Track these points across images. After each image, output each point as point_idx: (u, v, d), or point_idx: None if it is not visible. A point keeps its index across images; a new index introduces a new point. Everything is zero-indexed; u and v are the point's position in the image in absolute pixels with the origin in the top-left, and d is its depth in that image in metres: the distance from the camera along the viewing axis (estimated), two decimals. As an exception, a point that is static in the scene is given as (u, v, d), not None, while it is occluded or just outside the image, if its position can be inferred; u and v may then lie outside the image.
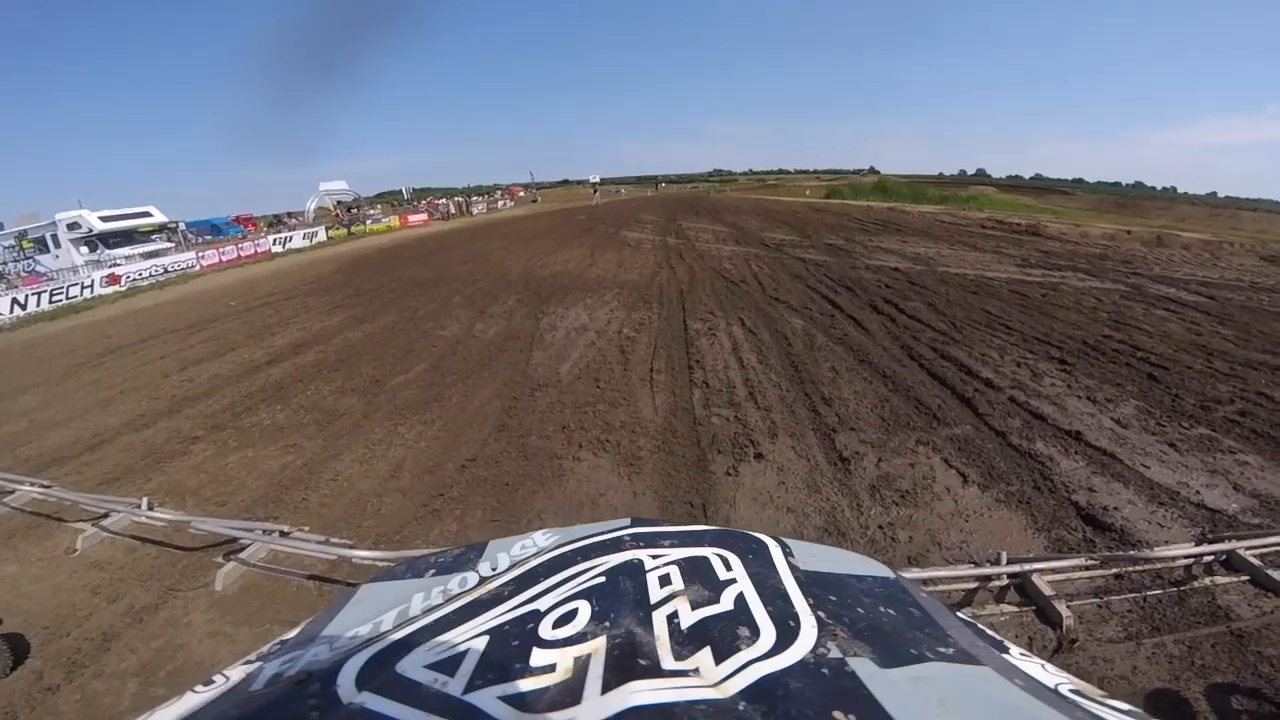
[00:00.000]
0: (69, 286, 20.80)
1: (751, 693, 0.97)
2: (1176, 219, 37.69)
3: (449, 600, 1.44)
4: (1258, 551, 4.05)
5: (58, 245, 24.22)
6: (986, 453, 5.94)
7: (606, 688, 0.99)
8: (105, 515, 5.48)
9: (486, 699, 1.00)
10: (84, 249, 24.26)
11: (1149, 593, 3.97)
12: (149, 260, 24.72)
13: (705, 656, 1.07)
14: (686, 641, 1.12)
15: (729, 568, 1.40)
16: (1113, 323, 10.33)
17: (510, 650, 1.13)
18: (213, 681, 1.29)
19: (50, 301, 19.95)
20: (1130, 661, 3.48)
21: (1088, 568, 4.01)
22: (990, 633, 1.34)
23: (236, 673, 1.31)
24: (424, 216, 45.21)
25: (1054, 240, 21.37)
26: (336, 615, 1.54)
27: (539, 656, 1.10)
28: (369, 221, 40.85)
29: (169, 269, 24.86)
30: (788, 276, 15.25)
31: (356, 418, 7.81)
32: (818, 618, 1.19)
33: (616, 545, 1.56)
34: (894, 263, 16.60)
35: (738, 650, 1.07)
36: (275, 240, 32.17)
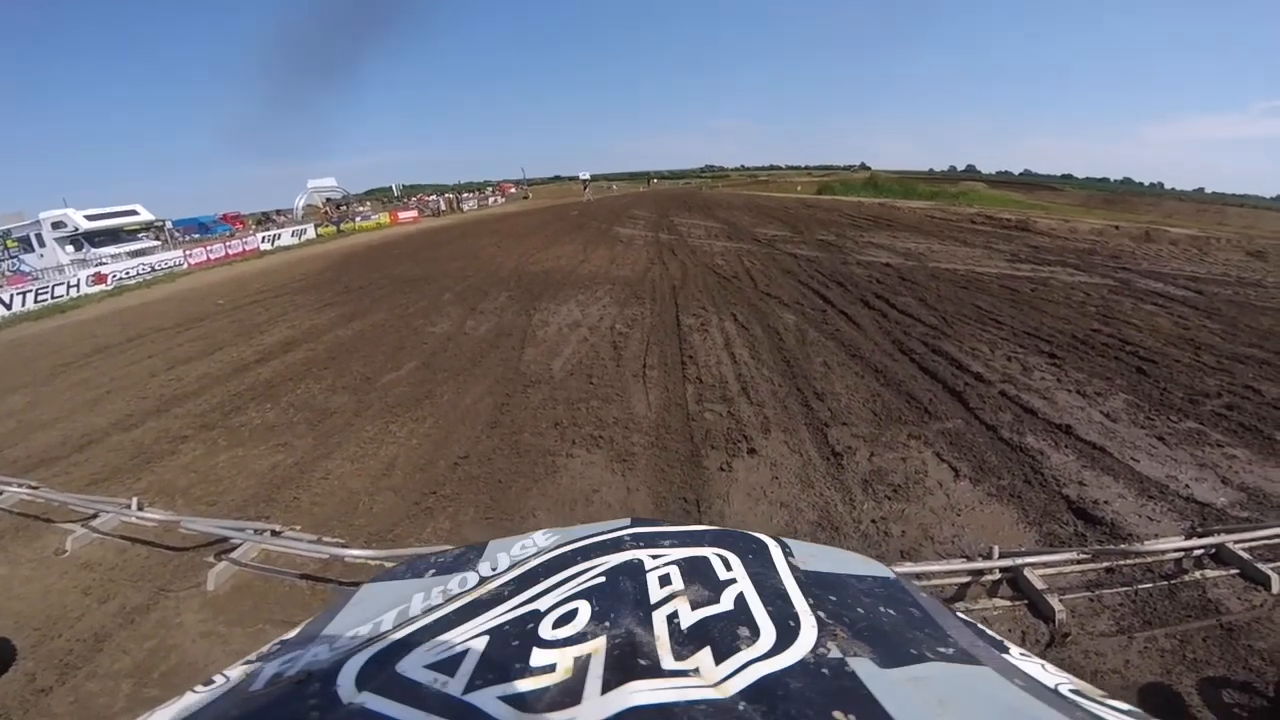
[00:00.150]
0: (54, 286, 20.54)
1: (751, 693, 0.97)
2: (1164, 214, 38.07)
3: (449, 600, 1.43)
4: (1246, 545, 4.10)
5: (42, 244, 23.91)
6: (978, 447, 5.98)
7: (606, 688, 0.99)
8: (95, 516, 5.42)
9: (486, 699, 0.99)
10: (69, 248, 23.97)
11: (1140, 586, 4.00)
12: (136, 259, 24.43)
13: (705, 656, 1.06)
14: (686, 641, 1.11)
15: (729, 568, 1.40)
16: (1101, 317, 10.41)
17: (510, 650, 1.13)
18: (212, 681, 1.28)
19: (35, 301, 19.70)
20: (1122, 656, 3.51)
21: (1079, 562, 4.04)
22: (990, 633, 1.34)
23: (236, 673, 1.30)
24: (414, 213, 45.00)
25: (1043, 235, 21.52)
26: (336, 615, 1.53)
27: (539, 656, 1.09)
28: (358, 219, 40.60)
29: (156, 268, 24.60)
30: (779, 272, 15.28)
31: (347, 416, 7.76)
32: (818, 618, 1.19)
33: (616, 545, 1.55)
34: (885, 258, 16.66)
35: (738, 650, 1.07)
36: (263, 238, 31.89)
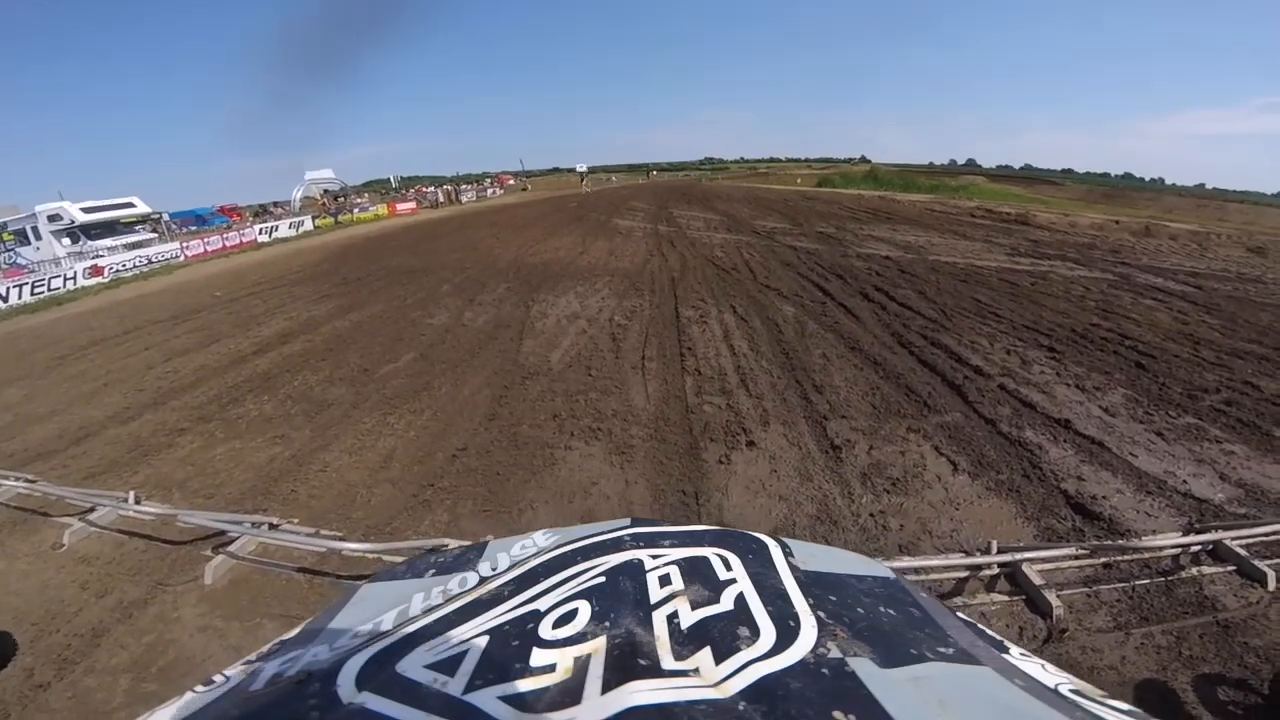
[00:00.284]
0: (51, 278, 20.45)
1: (751, 693, 0.97)
2: (1164, 210, 38.03)
3: (449, 600, 1.43)
4: (1243, 542, 4.10)
5: (38, 237, 23.86)
6: (976, 440, 5.98)
7: (606, 688, 0.99)
8: (92, 509, 5.41)
9: (486, 699, 0.99)
10: (66, 240, 23.90)
11: (1137, 582, 4.01)
12: (132, 251, 24.34)
13: (705, 656, 1.07)
14: (686, 641, 1.12)
15: (729, 568, 1.40)
16: (1101, 311, 10.41)
17: (510, 650, 1.13)
18: (213, 681, 1.28)
19: (32, 293, 19.62)
20: (1119, 652, 3.52)
21: (1077, 557, 4.04)
22: (990, 633, 1.34)
23: (236, 672, 1.31)
24: (412, 205, 44.85)
25: (1043, 229, 21.50)
26: (336, 615, 1.53)
27: (539, 656, 1.10)
28: (356, 210, 40.45)
29: (153, 260, 24.48)
30: (779, 264, 15.26)
31: (345, 408, 7.75)
32: (818, 618, 1.19)
33: (616, 545, 1.56)
34: (885, 251, 16.63)
35: (738, 650, 1.07)
36: (261, 230, 31.75)
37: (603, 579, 1.37)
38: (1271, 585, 3.86)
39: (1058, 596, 3.73)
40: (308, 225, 34.65)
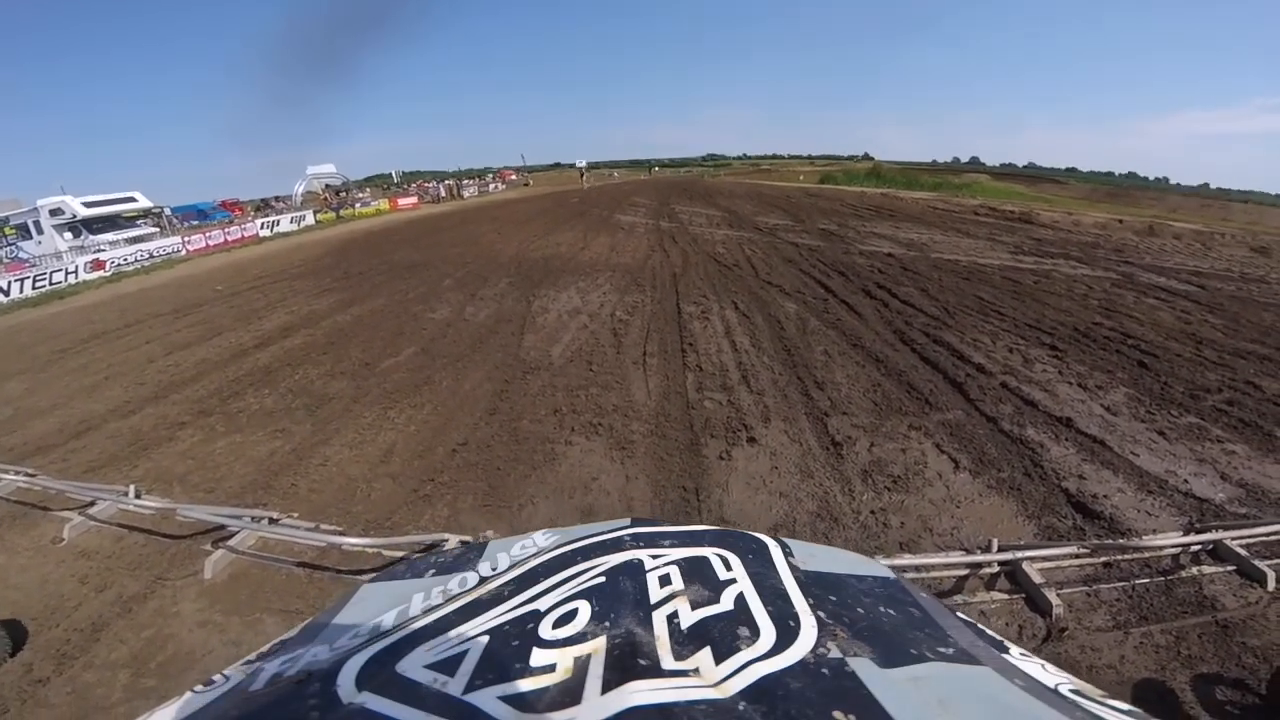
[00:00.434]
0: (52, 273, 20.48)
1: (751, 693, 0.97)
2: (1168, 209, 37.94)
3: (449, 600, 1.43)
4: (1244, 542, 4.09)
5: (40, 231, 23.84)
6: (978, 438, 5.97)
7: (606, 688, 0.99)
8: (92, 503, 5.42)
9: (486, 699, 0.99)
10: (67, 235, 23.88)
11: (1137, 581, 4.01)
12: (134, 245, 24.32)
13: (705, 656, 1.07)
14: (686, 641, 1.11)
15: (729, 568, 1.40)
16: (1104, 310, 10.39)
17: (510, 650, 1.13)
18: (213, 681, 1.28)
19: (34, 287, 19.65)
20: (1118, 651, 3.52)
21: (1077, 556, 4.04)
22: (990, 633, 1.34)
23: (236, 672, 1.31)
24: (414, 200, 44.81)
25: (1046, 228, 21.46)
26: (336, 615, 1.53)
27: (539, 656, 1.10)
28: (358, 205, 40.44)
29: (154, 254, 24.49)
30: (781, 261, 15.24)
31: (346, 402, 7.76)
32: (818, 618, 1.19)
33: (616, 545, 1.56)
34: (887, 248, 16.61)
35: (738, 650, 1.07)
36: (262, 224, 31.75)
37: (603, 579, 1.37)
38: (1271, 585, 3.85)
39: (1058, 595, 3.73)
40: (309, 220, 34.65)
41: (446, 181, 56.40)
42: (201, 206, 45.02)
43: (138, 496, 5.23)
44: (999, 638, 1.32)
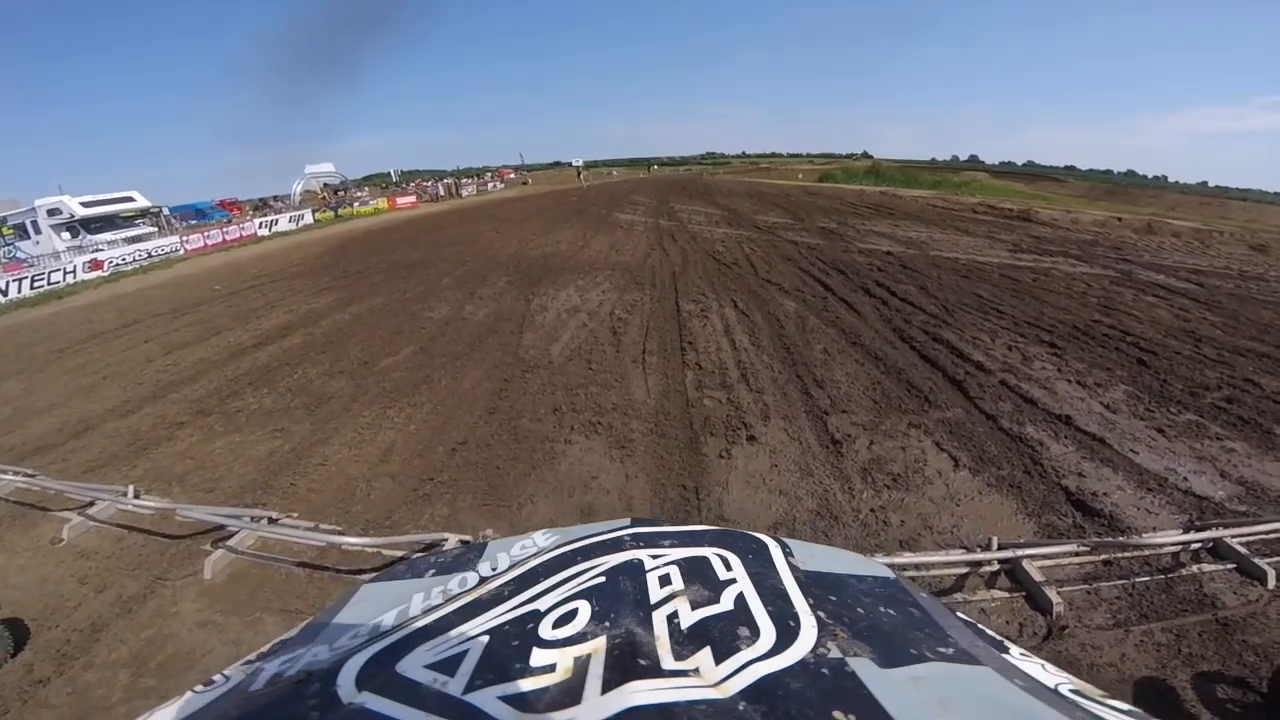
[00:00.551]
0: (50, 272, 20.48)
1: (751, 693, 0.97)
2: (1167, 207, 37.92)
3: (449, 600, 1.43)
4: (1244, 539, 4.08)
5: (38, 231, 23.83)
6: (977, 436, 5.98)
7: (606, 688, 0.99)
8: (91, 504, 5.41)
9: (486, 699, 0.99)
10: (65, 235, 23.88)
11: (1137, 579, 4.01)
12: (132, 245, 24.33)
13: (705, 656, 1.06)
14: (686, 641, 1.11)
15: (729, 568, 1.40)
16: (1103, 308, 10.39)
17: (510, 650, 1.13)
18: (213, 681, 1.28)
19: (32, 287, 19.65)
20: (1118, 649, 3.52)
21: (1077, 554, 4.04)
22: (990, 632, 1.34)
23: (236, 672, 1.30)
24: (412, 199, 44.79)
25: (1045, 226, 21.44)
26: (336, 615, 1.53)
27: (539, 656, 1.10)
28: (356, 204, 40.40)
29: (153, 254, 24.50)
30: (780, 259, 15.23)
31: (345, 401, 7.75)
32: (818, 618, 1.19)
33: (616, 545, 1.55)
34: (886, 246, 16.60)
35: (738, 650, 1.07)
36: (261, 224, 31.77)
37: (603, 579, 1.37)
38: (1271, 583, 3.85)
39: (1058, 593, 3.72)
40: (308, 219, 34.65)
41: (445, 180, 56.33)
42: (200, 206, 45.06)
43: (137, 496, 5.22)
44: (999, 637, 1.32)
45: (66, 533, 5.15)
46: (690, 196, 35.39)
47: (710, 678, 1.01)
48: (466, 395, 7.66)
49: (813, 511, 4.95)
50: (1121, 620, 3.73)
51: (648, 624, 1.17)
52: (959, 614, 1.41)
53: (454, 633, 1.22)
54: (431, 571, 1.72)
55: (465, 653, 1.13)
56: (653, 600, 1.26)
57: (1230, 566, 4.02)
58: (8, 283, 19.26)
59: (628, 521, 1.76)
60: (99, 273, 21.77)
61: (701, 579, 1.34)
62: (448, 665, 1.09)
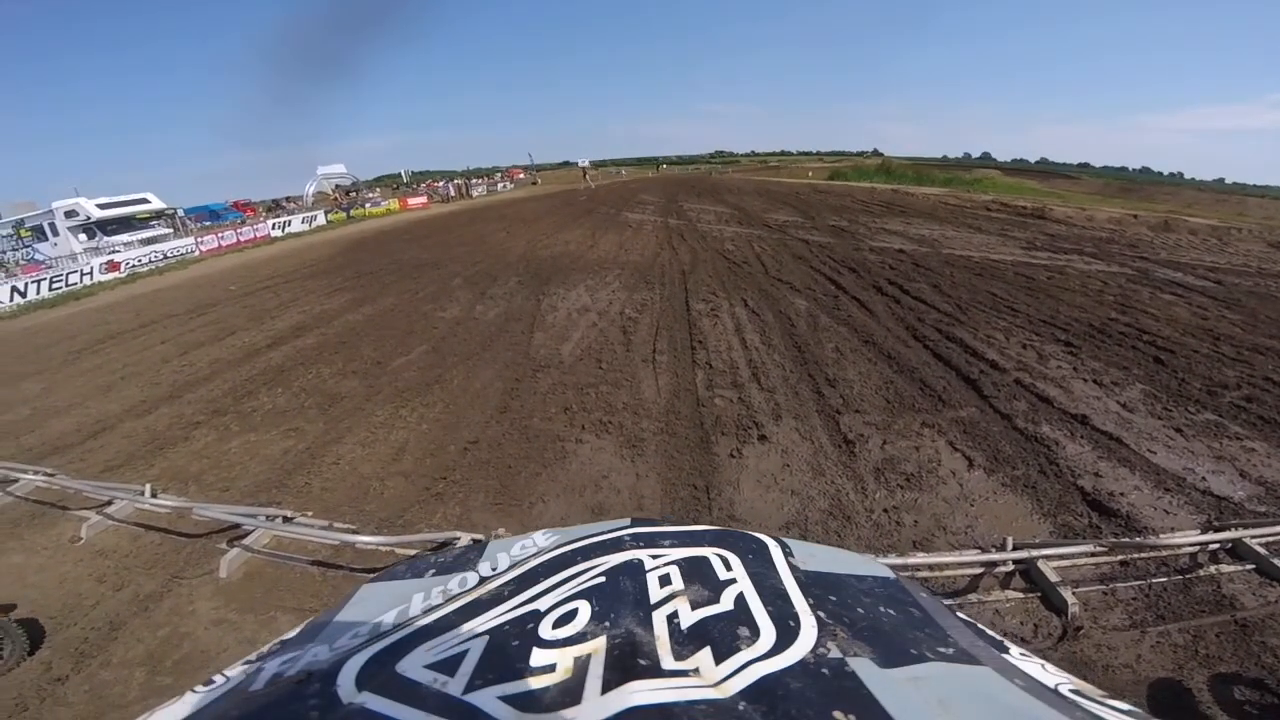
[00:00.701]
0: (68, 274, 20.77)
1: (751, 693, 0.97)
2: (1183, 204, 37.32)
3: (449, 600, 1.43)
4: (1263, 540, 4.02)
5: (56, 233, 24.18)
6: (992, 436, 5.92)
7: (606, 688, 0.99)
8: (109, 503, 5.49)
9: (486, 699, 0.99)
10: (82, 236, 24.20)
11: (1154, 580, 3.96)
12: (148, 246, 24.64)
13: (705, 656, 1.06)
14: (686, 641, 1.11)
15: (729, 568, 1.40)
16: (1119, 306, 10.26)
17: (510, 650, 1.13)
18: (213, 681, 1.29)
19: (50, 289, 19.94)
20: (1134, 650, 3.48)
21: (1093, 554, 3.99)
22: (990, 632, 1.34)
23: (237, 672, 1.31)
24: (423, 199, 45.00)
25: (1060, 224, 21.20)
26: (336, 615, 1.54)
27: (539, 656, 1.10)
28: (368, 205, 40.68)
29: (168, 255, 24.80)
30: (790, 258, 15.17)
31: (358, 400, 7.81)
32: (818, 618, 1.19)
33: (616, 545, 1.56)
34: (898, 244, 16.49)
35: (738, 650, 1.07)
36: (274, 225, 32.05)
37: (603, 579, 1.37)
38: (1291, 584, 3.79)
39: (1073, 594, 3.68)
40: (320, 220, 34.92)
41: (455, 181, 56.61)
42: (214, 207, 45.55)
43: (154, 496, 5.30)
44: (999, 637, 1.31)
45: (85, 531, 5.22)
46: (699, 195, 35.34)
47: (710, 678, 1.01)
48: (478, 394, 7.70)
49: (825, 511, 4.93)
50: (1138, 621, 3.69)
51: (648, 624, 1.17)
52: (959, 614, 1.40)
53: (454, 633, 1.22)
54: (431, 571, 1.72)
55: (465, 653, 1.13)
56: (653, 600, 1.26)
57: (1249, 567, 3.97)
58: (27, 284, 19.55)
59: (628, 521, 1.76)
60: (116, 274, 22.06)
61: (701, 579, 1.34)
62: (448, 665, 1.09)
